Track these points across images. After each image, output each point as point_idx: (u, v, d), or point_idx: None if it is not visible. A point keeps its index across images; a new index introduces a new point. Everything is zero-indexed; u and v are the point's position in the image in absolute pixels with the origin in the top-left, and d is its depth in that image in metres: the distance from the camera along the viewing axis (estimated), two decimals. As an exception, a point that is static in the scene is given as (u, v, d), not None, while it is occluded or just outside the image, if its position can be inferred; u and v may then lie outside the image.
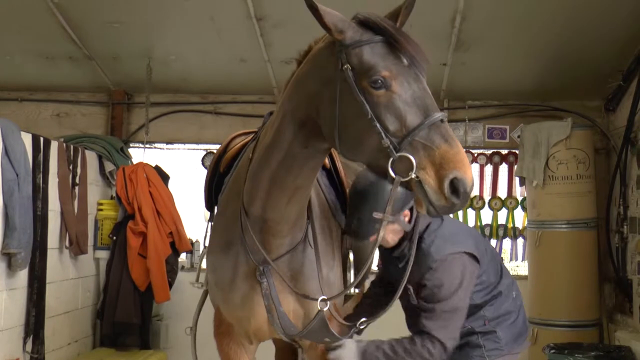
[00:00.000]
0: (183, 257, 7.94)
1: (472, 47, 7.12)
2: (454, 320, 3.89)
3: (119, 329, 7.10)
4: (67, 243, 6.67)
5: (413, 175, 2.62)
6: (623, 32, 6.73)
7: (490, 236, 8.08)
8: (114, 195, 7.46)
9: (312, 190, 3.50)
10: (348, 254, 3.96)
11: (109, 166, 7.62)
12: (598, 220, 7.38)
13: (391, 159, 2.65)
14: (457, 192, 2.63)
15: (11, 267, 5.62)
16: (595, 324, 7.24)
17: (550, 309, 7.14)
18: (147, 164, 7.57)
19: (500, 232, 8.08)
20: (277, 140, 3.11)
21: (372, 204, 3.68)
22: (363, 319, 3.38)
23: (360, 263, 4.42)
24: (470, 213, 8.15)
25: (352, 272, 4.02)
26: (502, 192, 8.21)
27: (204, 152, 8.27)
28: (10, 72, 7.95)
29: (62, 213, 6.54)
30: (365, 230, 3.75)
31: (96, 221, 7.43)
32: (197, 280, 4.28)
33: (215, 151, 8.07)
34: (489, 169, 8.24)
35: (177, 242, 7.36)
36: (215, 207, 4.04)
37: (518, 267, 8.46)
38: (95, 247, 7.42)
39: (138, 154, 8.12)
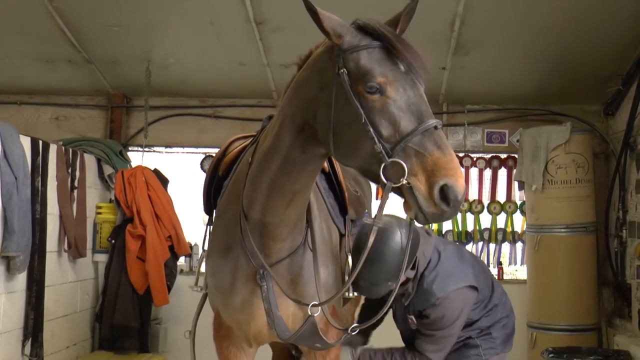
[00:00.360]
0: (182, 260, 7.94)
1: (471, 51, 7.13)
2: (448, 345, 4.23)
3: (117, 332, 7.09)
4: (65, 246, 6.66)
5: (404, 181, 2.61)
6: (622, 36, 6.74)
7: (489, 240, 8.09)
8: (113, 198, 7.46)
9: (312, 193, 3.50)
10: (347, 257, 3.96)
11: (107, 169, 7.62)
12: (597, 224, 7.39)
13: (383, 164, 2.65)
14: (447, 200, 2.59)
15: (10, 271, 5.61)
16: (594, 328, 7.24)
17: (549, 313, 7.14)
18: (146, 167, 7.57)
19: (499, 236, 8.08)
20: (276, 144, 3.12)
21: (384, 266, 3.85)
22: (354, 325, 3.39)
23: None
24: (469, 217, 8.16)
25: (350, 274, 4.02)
26: (501, 196, 8.21)
27: (203, 156, 8.27)
28: (10, 75, 7.95)
29: (60, 216, 6.54)
30: (378, 292, 3.98)
31: (95, 224, 7.43)
32: (197, 284, 4.27)
33: (214, 155, 8.11)
34: (488, 173, 8.24)
35: (176, 246, 7.35)
36: (214, 211, 4.04)
37: (517, 271, 8.46)
38: (94, 251, 7.41)
39: (137, 158, 8.12)
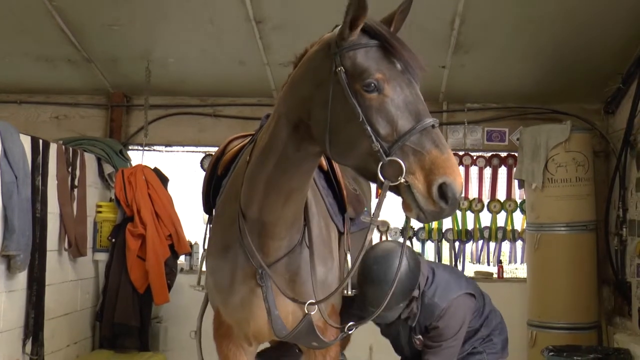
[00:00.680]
0: (182, 259, 7.95)
1: (471, 49, 7.13)
2: (454, 354, 4.35)
3: (118, 331, 7.09)
4: (66, 245, 6.67)
5: (402, 180, 2.62)
6: (622, 35, 6.74)
7: (489, 239, 8.09)
8: (113, 197, 7.46)
9: (310, 192, 3.50)
10: (346, 255, 3.98)
11: (108, 168, 7.62)
12: (597, 223, 7.39)
13: (381, 163, 2.65)
14: (446, 198, 2.60)
15: (10, 269, 5.62)
16: (594, 327, 7.24)
17: (549, 312, 7.14)
18: (146, 166, 7.57)
19: (499, 235, 8.08)
20: (272, 142, 3.13)
21: (395, 290, 3.85)
22: (351, 323, 3.40)
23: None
24: (470, 216, 8.16)
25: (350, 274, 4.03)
26: (501, 195, 8.21)
27: (203, 155, 8.27)
28: (10, 74, 7.96)
29: (61, 215, 6.54)
30: (390, 316, 4.23)
31: (95, 223, 7.43)
32: (198, 283, 4.27)
33: (214, 154, 8.12)
34: (488, 171, 8.24)
35: (176, 245, 7.36)
36: (214, 210, 4.04)
37: (517, 269, 8.46)
38: (94, 250, 7.41)
39: (137, 157, 8.12)
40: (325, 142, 2.85)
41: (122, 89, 8.30)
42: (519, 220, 8.14)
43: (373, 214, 2.91)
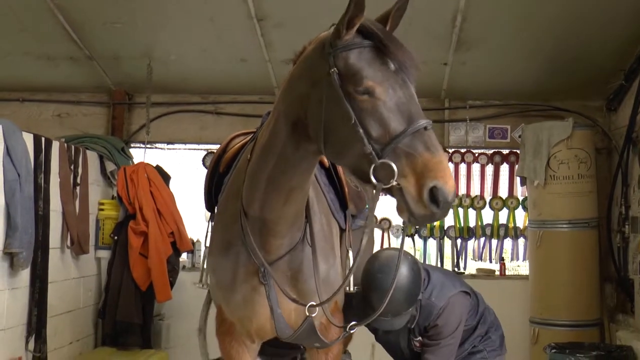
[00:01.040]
0: (184, 256, 7.95)
1: (473, 46, 7.13)
2: (452, 353, 4.40)
3: (120, 329, 7.11)
4: (68, 243, 6.68)
5: (394, 183, 2.60)
6: (625, 31, 6.73)
7: (491, 236, 8.09)
8: (115, 195, 7.46)
9: (311, 188, 3.50)
10: (348, 252, 3.99)
11: (110, 166, 7.63)
12: (599, 220, 7.38)
13: (373, 165, 2.64)
14: (437, 201, 2.56)
15: (13, 267, 5.63)
16: (597, 324, 7.25)
17: (551, 309, 7.14)
18: (148, 163, 7.57)
19: (502, 232, 8.07)
20: (271, 141, 3.13)
21: (405, 295, 4.12)
22: (353, 322, 3.40)
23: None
24: (472, 213, 8.16)
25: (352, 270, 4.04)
26: (503, 192, 8.21)
27: (205, 152, 8.27)
28: (12, 72, 7.96)
29: (63, 213, 6.55)
30: (400, 323, 4.25)
31: (97, 221, 7.44)
32: (201, 280, 4.28)
33: (215, 151, 8.12)
34: (490, 168, 8.24)
35: (178, 242, 7.36)
36: (215, 207, 4.05)
37: (519, 267, 8.46)
38: (97, 247, 7.42)
39: (139, 154, 8.12)
40: (320, 141, 2.85)
41: (124, 86, 8.30)
42: (521, 218, 8.14)
43: (367, 219, 2.90)
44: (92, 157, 7.34)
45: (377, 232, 8.04)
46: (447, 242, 8.25)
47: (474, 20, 6.69)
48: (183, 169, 8.37)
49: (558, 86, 7.70)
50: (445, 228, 8.15)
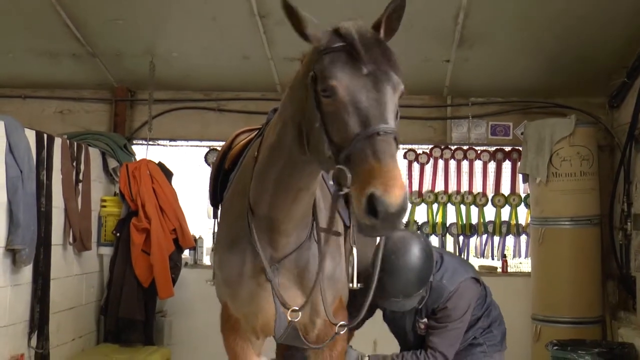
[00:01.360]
0: (186, 253, 7.95)
1: (475, 43, 7.12)
2: (458, 338, 4.40)
3: (122, 325, 7.12)
4: (70, 239, 6.68)
5: (347, 190, 2.56)
6: (627, 29, 6.73)
7: (493, 233, 8.08)
8: (118, 192, 7.47)
9: (318, 187, 3.51)
10: (352, 249, 3.99)
11: (112, 163, 7.63)
12: (601, 217, 7.38)
13: (332, 171, 2.63)
14: (375, 212, 2.47)
15: (16, 264, 5.63)
16: (599, 321, 7.25)
17: (553, 306, 7.14)
18: (150, 160, 7.58)
19: (504, 229, 8.06)
20: (278, 143, 3.13)
21: (416, 276, 4.15)
22: (342, 323, 3.44)
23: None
24: (474, 210, 8.15)
25: (355, 265, 4.04)
26: (505, 189, 8.20)
27: (207, 149, 8.27)
28: (14, 69, 7.97)
29: (65, 210, 6.56)
30: (411, 304, 4.26)
31: (100, 218, 7.44)
32: (214, 277, 4.24)
33: (218, 148, 8.11)
34: (492, 165, 8.23)
35: (180, 239, 7.37)
36: (221, 204, 4.05)
37: (521, 264, 8.45)
38: (99, 244, 7.43)
39: (141, 151, 8.12)
40: (304, 144, 2.85)
41: (126, 83, 8.31)
42: (523, 215, 8.13)
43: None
44: (95, 154, 7.34)
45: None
46: (450, 239, 8.24)
47: (477, 17, 6.68)
48: (185, 165, 8.37)
49: (560, 83, 7.69)
50: (448, 225, 8.14)
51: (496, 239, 8.12)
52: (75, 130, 7.96)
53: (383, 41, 2.82)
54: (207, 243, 8.16)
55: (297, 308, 3.40)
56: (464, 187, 8.15)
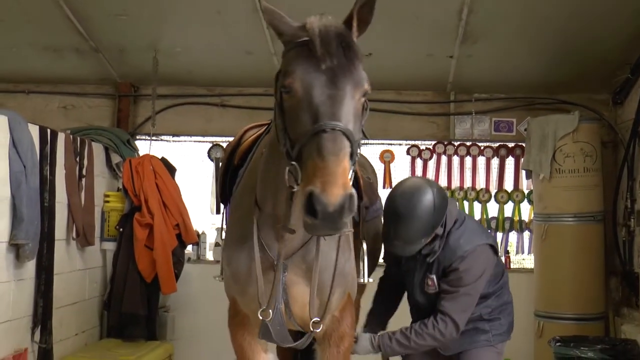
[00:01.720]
0: (189, 249, 7.96)
1: (479, 39, 7.11)
2: (470, 306, 4.31)
3: (125, 320, 7.12)
4: (74, 234, 6.69)
5: (295, 188, 2.57)
6: (631, 25, 6.71)
7: (497, 229, 8.07)
8: (121, 187, 7.47)
9: None
10: (362, 243, 4.00)
11: (115, 158, 7.63)
12: (605, 213, 7.37)
13: (287, 168, 2.64)
14: (314, 211, 2.46)
15: (19, 258, 5.64)
16: (601, 318, 7.24)
17: (556, 302, 7.14)
18: (153, 156, 7.58)
19: (507, 225, 8.06)
20: (276, 139, 3.12)
21: (418, 224, 4.12)
22: (315, 319, 3.40)
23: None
24: (477, 206, 8.15)
25: (365, 260, 4.05)
26: (508, 185, 8.19)
27: (210, 145, 8.27)
28: (17, 64, 7.97)
29: (69, 205, 6.56)
30: (411, 250, 4.24)
31: (103, 213, 7.45)
32: (222, 273, 4.25)
33: (222, 144, 8.13)
34: (495, 162, 8.22)
35: (183, 234, 7.37)
36: (230, 199, 4.05)
37: (524, 260, 8.45)
38: (102, 239, 7.43)
39: (144, 146, 8.13)
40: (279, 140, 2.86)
41: (130, 78, 8.31)
42: (526, 211, 8.12)
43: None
44: (98, 149, 7.34)
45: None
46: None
47: (480, 13, 6.67)
48: (188, 161, 8.38)
49: (564, 79, 7.68)
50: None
51: (499, 235, 8.10)
52: (79, 125, 7.96)
53: (347, 36, 2.78)
54: (210, 238, 8.18)
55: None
56: (467, 183, 8.14)
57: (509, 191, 8.15)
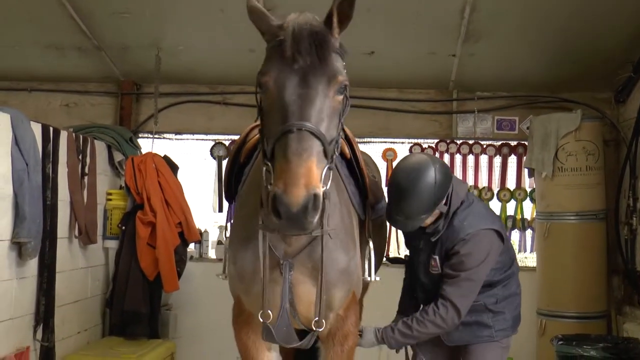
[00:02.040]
0: (192, 247, 7.96)
1: (481, 38, 7.10)
2: (471, 291, 4.23)
3: (127, 318, 7.12)
4: (76, 232, 6.69)
5: (269, 187, 2.59)
6: (633, 23, 6.70)
7: (499, 227, 8.06)
8: (123, 185, 7.47)
9: (332, 180, 3.50)
10: (368, 242, 3.99)
11: (118, 156, 7.63)
12: (607, 212, 7.36)
13: (264, 168, 2.66)
14: (277, 212, 2.50)
15: (21, 256, 5.65)
16: (604, 316, 7.24)
17: (558, 301, 7.14)
18: (156, 154, 7.57)
19: (509, 224, 8.05)
20: None
21: (418, 200, 4.09)
22: (316, 319, 3.38)
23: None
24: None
25: (372, 259, 4.04)
26: (511, 184, 8.19)
27: (213, 143, 8.27)
28: (20, 62, 7.98)
29: (71, 203, 6.56)
30: (412, 225, 4.21)
31: (105, 211, 7.45)
32: (224, 271, 4.25)
33: (224, 142, 8.13)
34: (497, 160, 8.23)
35: (185, 232, 7.37)
36: (236, 198, 4.04)
37: (526, 258, 8.45)
38: (105, 237, 7.44)
39: (147, 144, 8.13)
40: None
41: (132, 76, 8.31)
42: (528, 209, 8.12)
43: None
44: (100, 147, 7.35)
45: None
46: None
47: (483, 11, 6.66)
48: (191, 159, 8.38)
49: (566, 78, 7.68)
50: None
51: (501, 233, 8.10)
52: (81, 123, 7.96)
53: (321, 33, 2.80)
54: (213, 237, 8.18)
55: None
56: (470, 182, 8.14)
57: (512, 189, 8.15)
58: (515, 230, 8.13)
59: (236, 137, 4.46)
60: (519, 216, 8.09)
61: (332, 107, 2.75)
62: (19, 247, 5.60)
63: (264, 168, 2.66)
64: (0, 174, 5.36)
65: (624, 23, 6.72)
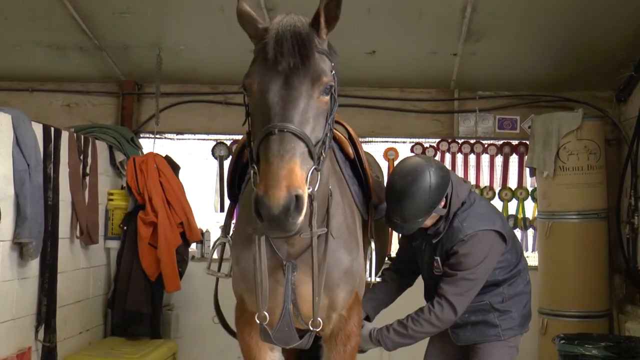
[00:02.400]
0: (193, 247, 7.96)
1: (482, 37, 7.10)
2: (469, 290, 4.20)
3: (129, 319, 7.13)
4: (77, 233, 6.69)
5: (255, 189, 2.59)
6: (634, 22, 6.70)
7: (501, 227, 8.06)
8: (125, 185, 7.48)
9: (335, 180, 3.49)
10: (370, 242, 3.98)
11: (119, 156, 7.63)
12: (609, 211, 7.37)
13: (252, 171, 2.66)
14: (259, 214, 2.50)
15: (23, 257, 5.65)
16: (605, 315, 7.24)
17: (560, 300, 7.14)
18: (157, 154, 7.57)
19: (511, 223, 8.03)
20: None
21: (414, 203, 4.07)
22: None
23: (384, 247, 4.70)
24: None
25: (374, 259, 4.03)
26: (512, 183, 8.19)
27: (214, 142, 8.27)
28: (21, 62, 7.98)
29: (72, 203, 6.56)
30: (409, 228, 4.20)
31: (107, 211, 7.45)
32: (209, 267, 4.25)
33: (225, 142, 8.13)
34: (499, 159, 8.21)
35: (187, 232, 7.37)
36: (239, 197, 4.03)
37: (528, 257, 8.41)
38: (106, 237, 7.44)
39: (148, 144, 8.13)
40: None
41: (133, 76, 8.31)
42: (530, 209, 8.12)
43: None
44: (102, 147, 7.35)
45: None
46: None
47: (484, 10, 6.66)
48: (192, 159, 8.38)
49: (568, 77, 7.67)
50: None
51: (503, 232, 8.09)
52: (82, 123, 7.97)
53: (304, 35, 2.80)
54: (214, 237, 8.17)
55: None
56: (471, 181, 8.13)
57: (513, 189, 8.14)
58: (517, 229, 8.11)
59: (238, 137, 4.47)
60: (520, 215, 8.09)
61: (317, 108, 2.74)
62: (20, 247, 5.60)
63: (252, 171, 2.66)
64: (1, 175, 5.36)
65: (626, 22, 6.71)
